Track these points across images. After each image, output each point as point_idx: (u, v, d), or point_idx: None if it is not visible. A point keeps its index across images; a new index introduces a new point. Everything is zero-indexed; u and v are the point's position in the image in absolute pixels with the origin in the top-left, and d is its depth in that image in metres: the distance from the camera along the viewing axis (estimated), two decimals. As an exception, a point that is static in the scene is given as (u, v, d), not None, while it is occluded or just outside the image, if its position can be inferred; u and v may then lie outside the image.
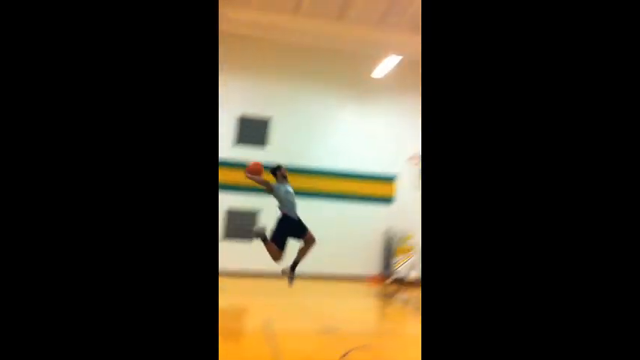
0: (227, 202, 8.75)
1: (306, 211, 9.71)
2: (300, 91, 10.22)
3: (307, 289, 8.25)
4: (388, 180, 10.22)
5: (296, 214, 4.73)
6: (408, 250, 9.67)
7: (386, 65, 9.42)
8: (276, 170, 4.88)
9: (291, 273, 4.78)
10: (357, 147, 10.26)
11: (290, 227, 4.64)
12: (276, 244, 4.55)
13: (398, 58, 9.04)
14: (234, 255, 8.61)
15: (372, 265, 9.72)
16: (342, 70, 10.31)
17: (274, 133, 9.82)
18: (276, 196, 4.71)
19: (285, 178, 4.85)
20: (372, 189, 10.07)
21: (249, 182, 4.74)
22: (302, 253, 4.70)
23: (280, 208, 4.70)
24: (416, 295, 8.68)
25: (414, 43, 9.42)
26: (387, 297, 8.37)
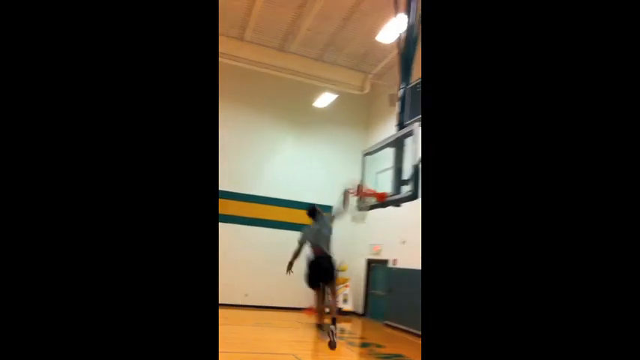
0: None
1: (248, 236, 9.36)
2: (250, 117, 10.17)
3: (241, 317, 8.05)
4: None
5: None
6: (344, 281, 9.66)
7: (325, 98, 9.71)
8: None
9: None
10: (297, 177, 10.30)
11: None
12: None
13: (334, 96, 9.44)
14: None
15: (308, 295, 9.57)
16: (286, 100, 10.43)
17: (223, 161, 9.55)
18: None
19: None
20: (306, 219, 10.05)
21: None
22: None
23: None
24: (350, 326, 8.64)
25: (350, 79, 9.86)
26: (321, 328, 8.25)
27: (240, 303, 9.46)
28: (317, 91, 9.87)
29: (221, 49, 8.76)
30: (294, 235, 5.65)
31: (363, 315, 9.97)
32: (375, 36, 7.81)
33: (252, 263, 9.48)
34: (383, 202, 4.38)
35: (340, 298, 9.26)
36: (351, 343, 6.91)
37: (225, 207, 9.08)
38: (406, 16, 4.52)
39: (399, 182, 4.24)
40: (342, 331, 7.75)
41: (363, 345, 6.90)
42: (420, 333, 6.85)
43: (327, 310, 5.13)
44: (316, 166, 10.51)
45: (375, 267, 9.83)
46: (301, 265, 5.22)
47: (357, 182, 4.82)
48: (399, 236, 8.44)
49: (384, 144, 4.67)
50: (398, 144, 4.39)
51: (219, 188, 8.69)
